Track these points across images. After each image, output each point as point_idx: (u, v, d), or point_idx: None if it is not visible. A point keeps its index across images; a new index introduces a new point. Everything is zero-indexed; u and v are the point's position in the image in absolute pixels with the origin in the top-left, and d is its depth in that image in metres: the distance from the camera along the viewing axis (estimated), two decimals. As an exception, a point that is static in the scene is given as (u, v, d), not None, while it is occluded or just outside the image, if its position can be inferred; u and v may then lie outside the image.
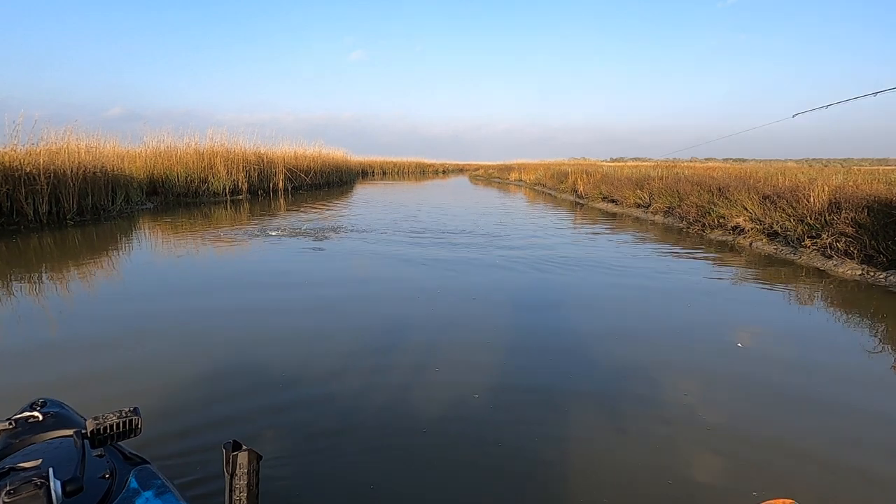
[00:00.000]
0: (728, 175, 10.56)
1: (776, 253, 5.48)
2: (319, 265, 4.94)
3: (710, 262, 5.28)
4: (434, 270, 4.63)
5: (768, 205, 6.01)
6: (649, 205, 9.53)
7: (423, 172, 47.66)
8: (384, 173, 39.94)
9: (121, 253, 5.54)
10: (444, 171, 54.03)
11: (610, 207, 11.06)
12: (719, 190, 7.83)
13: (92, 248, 5.82)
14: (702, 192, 8.09)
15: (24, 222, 6.97)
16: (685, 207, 7.73)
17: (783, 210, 5.70)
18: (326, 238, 6.42)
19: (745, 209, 6.20)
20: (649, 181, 10.28)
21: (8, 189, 6.81)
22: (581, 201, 12.87)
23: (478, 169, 43.10)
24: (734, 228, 6.31)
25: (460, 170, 61.67)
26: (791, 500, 1.04)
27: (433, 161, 58.07)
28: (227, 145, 13.36)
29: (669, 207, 8.59)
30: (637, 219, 9.41)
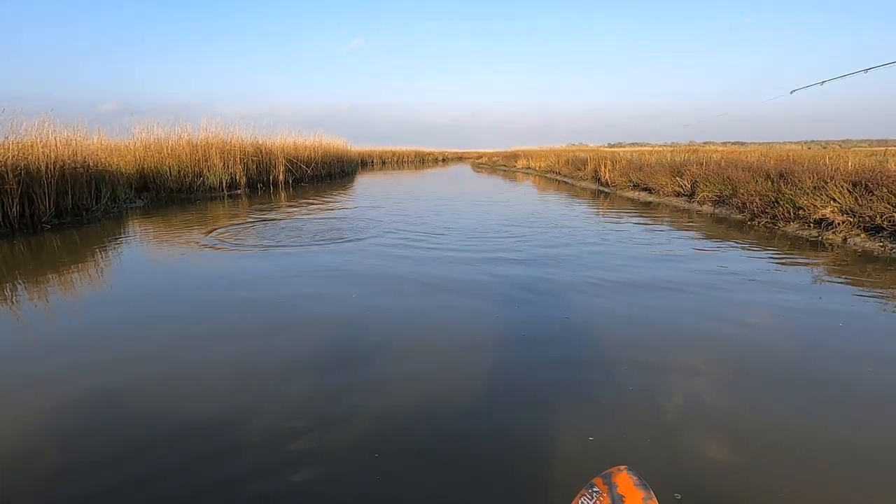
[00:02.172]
0: (767, 158, 9.71)
1: (883, 251, 4.61)
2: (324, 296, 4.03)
3: (811, 266, 4.42)
4: (475, 302, 3.72)
5: (862, 193, 5.13)
6: (691, 193, 8.65)
7: (422, 161, 46.67)
8: (383, 163, 38.93)
9: (79, 268, 4.63)
10: (443, 160, 53.01)
11: (642, 196, 10.16)
12: (781, 176, 6.95)
13: (52, 259, 4.90)
14: (757, 178, 7.21)
15: (-9, 228, 6.04)
16: (744, 196, 6.84)
17: (885, 200, 4.82)
18: (342, 246, 5.52)
19: (833, 199, 5.32)
20: (687, 167, 9.39)
21: (-30, 190, 5.88)
22: (606, 190, 11.95)
23: (480, 157, 42.02)
24: (819, 221, 5.43)
25: (459, 158, 60.81)
26: (624, 466, 1.10)
27: (432, 150, 57.00)
28: (222, 136, 12.38)
29: (720, 196, 7.70)
30: (677, 208, 8.53)
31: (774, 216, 6.09)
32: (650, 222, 6.97)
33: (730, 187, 7.53)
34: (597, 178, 13.16)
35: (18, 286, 3.94)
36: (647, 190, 10.06)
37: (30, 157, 6.66)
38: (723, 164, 8.96)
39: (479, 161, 38.67)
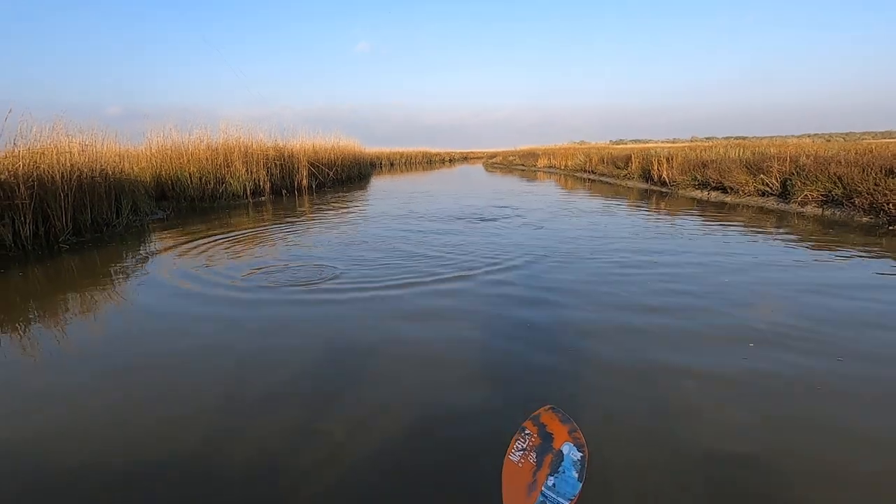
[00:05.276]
0: (848, 152, 8.77)
1: None
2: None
3: None
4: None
5: None
6: (782, 192, 7.70)
7: (429, 162, 45.96)
8: (391, 164, 38.13)
9: (105, 301, 3.69)
10: (450, 160, 52.23)
11: (714, 196, 9.20)
12: (907, 171, 6.02)
13: (72, 287, 3.96)
14: (875, 174, 6.27)
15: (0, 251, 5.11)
16: (871, 197, 5.89)
17: None
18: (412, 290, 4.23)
19: None
20: (767, 162, 8.43)
21: (-25, 206, 4.95)
22: (663, 189, 11.00)
23: (494, 156, 41.11)
24: None
25: (464, 158, 60.27)
26: (549, 405, 1.21)
27: (439, 150, 56.27)
28: (243, 139, 11.46)
29: (827, 196, 6.76)
30: (763, 209, 7.58)
31: (930, 219, 5.14)
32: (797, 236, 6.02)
33: (840, 186, 6.59)
34: (646, 177, 12.21)
35: (29, 331, 3.00)
36: (721, 189, 9.10)
37: (42, 165, 5.74)
38: (806, 158, 8.01)
39: (493, 160, 37.71)
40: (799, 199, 7.07)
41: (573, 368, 2.32)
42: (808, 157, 8.17)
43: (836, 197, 6.56)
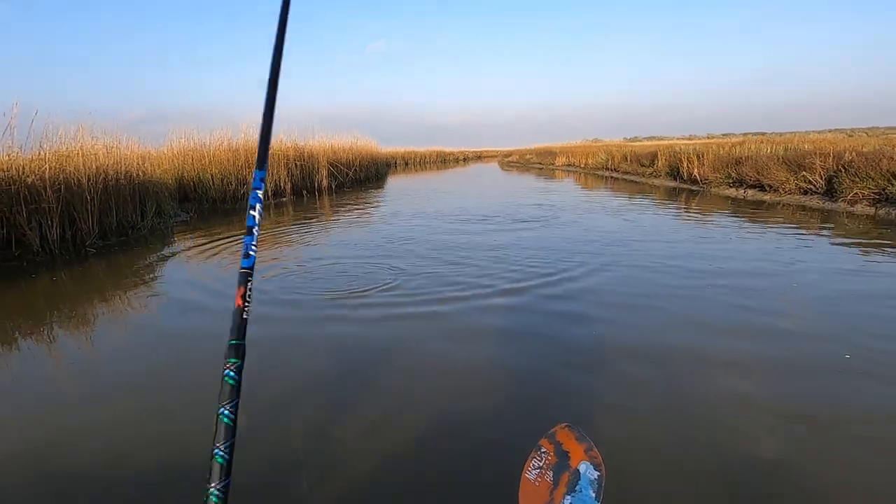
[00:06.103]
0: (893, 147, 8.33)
1: None
2: None
3: None
4: None
5: None
6: (828, 190, 7.32)
7: (444, 161, 45.81)
8: (406, 164, 38.05)
9: (135, 309, 3.53)
10: (463, 159, 52.08)
11: (749, 194, 8.84)
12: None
13: (102, 296, 3.82)
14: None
15: (27, 255, 5.02)
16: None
17: None
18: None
19: None
20: (809, 159, 8.04)
21: (2, 211, 4.85)
22: (694, 188, 10.64)
23: (510, 154, 40.79)
24: None
25: (478, 157, 60.20)
26: (566, 424, 1.16)
27: (452, 149, 56.09)
28: (263, 139, 11.33)
29: (880, 194, 6.38)
30: (806, 208, 7.23)
31: None
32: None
33: (895, 183, 6.22)
34: (674, 175, 11.85)
35: (58, 336, 2.85)
36: (758, 187, 8.73)
37: (69, 168, 5.65)
38: (857, 154, 7.61)
39: (509, 159, 37.42)
40: (848, 197, 6.70)
41: (633, 423, 2.07)
42: (851, 153, 7.78)
43: (892, 195, 6.19)
